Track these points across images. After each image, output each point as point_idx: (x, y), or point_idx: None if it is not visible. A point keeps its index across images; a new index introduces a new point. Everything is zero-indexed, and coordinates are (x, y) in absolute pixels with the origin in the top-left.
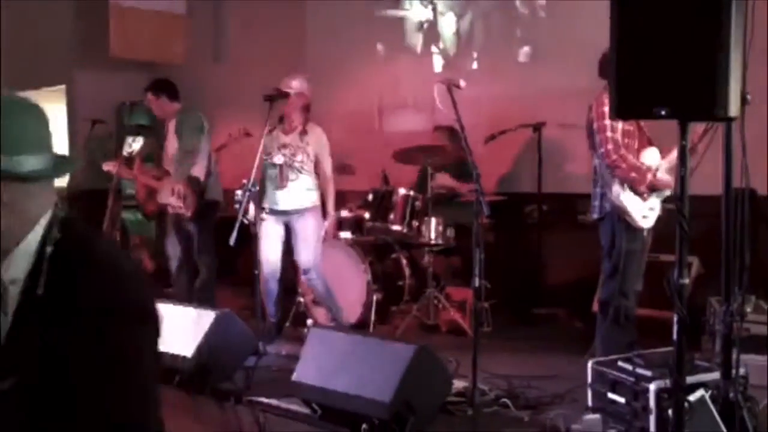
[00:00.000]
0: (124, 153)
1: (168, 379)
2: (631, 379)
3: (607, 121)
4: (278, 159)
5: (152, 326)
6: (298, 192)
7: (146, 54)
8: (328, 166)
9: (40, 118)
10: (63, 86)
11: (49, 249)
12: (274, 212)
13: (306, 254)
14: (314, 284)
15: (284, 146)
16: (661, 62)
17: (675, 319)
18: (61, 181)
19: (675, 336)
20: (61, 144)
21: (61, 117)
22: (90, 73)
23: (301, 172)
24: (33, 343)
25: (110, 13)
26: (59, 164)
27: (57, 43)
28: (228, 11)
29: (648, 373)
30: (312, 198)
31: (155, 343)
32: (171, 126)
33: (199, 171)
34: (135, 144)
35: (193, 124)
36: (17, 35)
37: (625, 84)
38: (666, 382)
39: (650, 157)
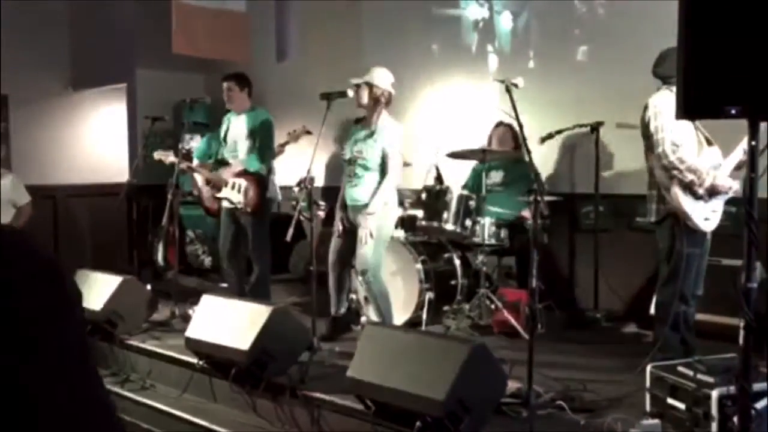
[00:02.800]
0: (182, 150)
1: (224, 372)
2: (693, 384)
3: (664, 121)
4: (346, 154)
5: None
6: (365, 189)
7: (208, 52)
8: (391, 161)
9: None
10: (124, 84)
11: None
12: (344, 207)
13: (363, 253)
14: (369, 288)
15: (356, 142)
16: (732, 59)
17: (741, 324)
18: (122, 176)
19: (741, 341)
20: (121, 140)
21: (122, 114)
22: (150, 71)
23: (367, 169)
24: None
25: (173, 11)
26: None
27: (119, 42)
28: (289, 10)
29: (710, 379)
30: (379, 195)
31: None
32: (239, 121)
33: (265, 168)
34: (192, 141)
35: (266, 121)
36: (80, 35)
37: (693, 82)
38: (729, 389)
39: (711, 157)
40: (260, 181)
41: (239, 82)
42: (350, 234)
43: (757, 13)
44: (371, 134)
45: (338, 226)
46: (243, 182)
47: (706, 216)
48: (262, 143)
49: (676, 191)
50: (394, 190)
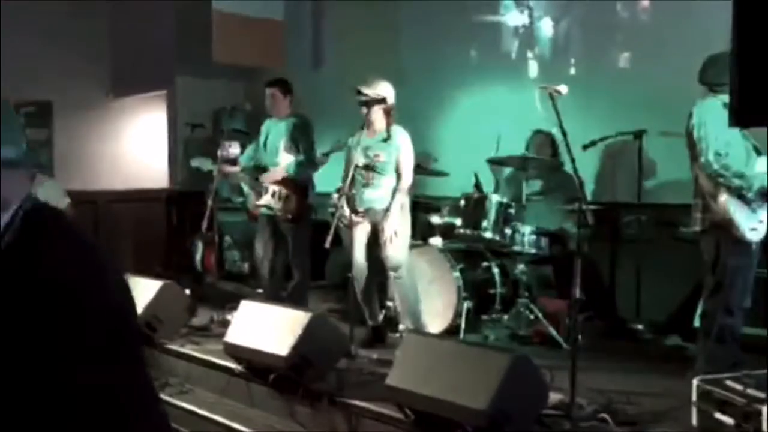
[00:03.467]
0: (221, 156)
1: (262, 377)
2: (742, 399)
3: (709, 130)
4: (362, 161)
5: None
6: (384, 191)
7: (247, 59)
8: (405, 168)
9: (10, 111)
10: (164, 91)
11: (6, 239)
12: (363, 213)
13: (393, 252)
14: (401, 285)
15: (368, 148)
16: None
17: None
18: (162, 182)
19: None
20: (161, 147)
21: (162, 121)
22: (190, 78)
23: (383, 174)
24: None
25: (213, 20)
26: (28, 154)
27: (159, 49)
28: (326, 17)
29: (761, 394)
30: (398, 197)
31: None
32: (279, 127)
33: (308, 176)
34: (231, 148)
35: (308, 127)
36: (121, 42)
37: (747, 89)
38: None
39: (760, 166)
40: (302, 188)
41: (283, 88)
42: (371, 243)
43: None
44: (386, 140)
45: (355, 233)
46: (284, 190)
47: (753, 226)
48: (306, 149)
49: (724, 199)
50: (408, 195)
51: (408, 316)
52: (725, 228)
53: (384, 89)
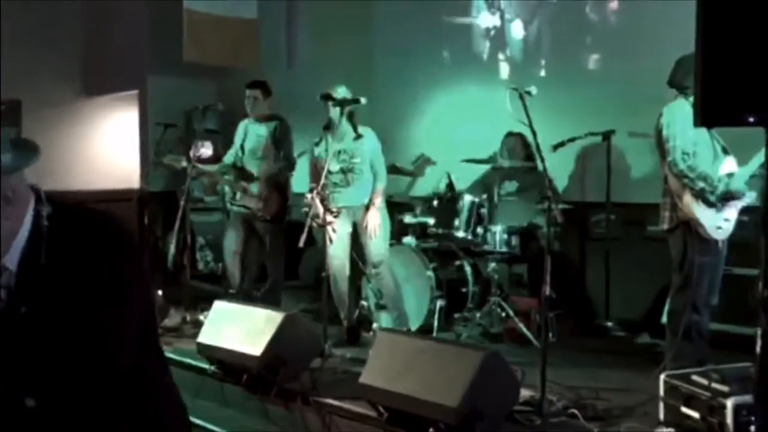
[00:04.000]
0: (193, 156)
1: (236, 378)
2: (707, 393)
3: (676, 130)
4: (334, 166)
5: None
6: (362, 188)
7: (219, 59)
8: (380, 167)
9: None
10: (136, 91)
11: (45, 223)
12: (343, 210)
13: (375, 247)
14: (383, 281)
15: (340, 152)
16: (752, 66)
17: (759, 332)
18: (134, 182)
19: (758, 349)
20: (132, 147)
21: (134, 121)
22: (162, 78)
23: (362, 174)
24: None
25: (184, 19)
26: (28, 153)
27: (131, 48)
28: (300, 17)
29: (725, 388)
30: (378, 191)
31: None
32: (260, 129)
33: (287, 177)
34: (203, 148)
35: (290, 132)
36: (93, 40)
37: (712, 89)
38: (744, 398)
39: (726, 166)
40: (282, 189)
41: (265, 90)
42: (352, 241)
43: None
44: (357, 140)
45: (331, 234)
46: (265, 190)
47: (719, 225)
48: (287, 150)
49: (688, 199)
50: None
51: (391, 310)
52: (691, 226)
53: (346, 92)
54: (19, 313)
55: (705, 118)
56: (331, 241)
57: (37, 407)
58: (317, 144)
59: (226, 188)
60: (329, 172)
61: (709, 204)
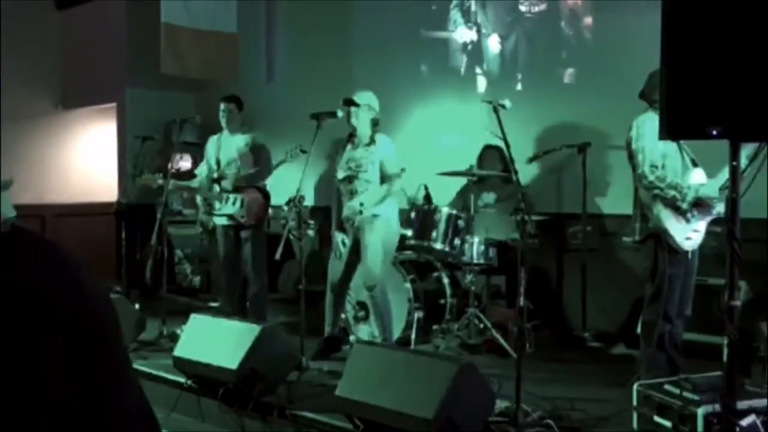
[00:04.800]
0: (171, 169)
1: (213, 391)
2: (679, 402)
3: (645, 143)
4: (341, 174)
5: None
6: (369, 200)
7: (197, 72)
8: (390, 168)
9: None
10: (114, 104)
11: None
12: (345, 225)
13: (370, 269)
14: (376, 302)
15: (349, 160)
16: (714, 80)
17: (725, 341)
18: (112, 196)
19: (725, 358)
20: (110, 160)
21: (112, 133)
22: (141, 90)
23: (369, 183)
24: None
25: (161, 32)
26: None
27: (110, 61)
28: (278, 31)
29: (696, 397)
30: (381, 209)
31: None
32: (234, 141)
33: (265, 183)
34: (182, 161)
35: (263, 141)
36: (71, 53)
37: (676, 103)
38: (714, 407)
39: (695, 177)
40: (265, 194)
41: (239, 104)
42: (351, 254)
43: (737, 36)
44: (369, 149)
45: (339, 247)
46: (245, 196)
47: (688, 236)
48: (266, 160)
49: (658, 210)
50: (397, 208)
51: (379, 329)
52: (661, 237)
53: (372, 98)
54: None
55: (670, 131)
56: (336, 253)
57: None
58: (339, 152)
59: (199, 201)
60: (340, 181)
61: (681, 212)
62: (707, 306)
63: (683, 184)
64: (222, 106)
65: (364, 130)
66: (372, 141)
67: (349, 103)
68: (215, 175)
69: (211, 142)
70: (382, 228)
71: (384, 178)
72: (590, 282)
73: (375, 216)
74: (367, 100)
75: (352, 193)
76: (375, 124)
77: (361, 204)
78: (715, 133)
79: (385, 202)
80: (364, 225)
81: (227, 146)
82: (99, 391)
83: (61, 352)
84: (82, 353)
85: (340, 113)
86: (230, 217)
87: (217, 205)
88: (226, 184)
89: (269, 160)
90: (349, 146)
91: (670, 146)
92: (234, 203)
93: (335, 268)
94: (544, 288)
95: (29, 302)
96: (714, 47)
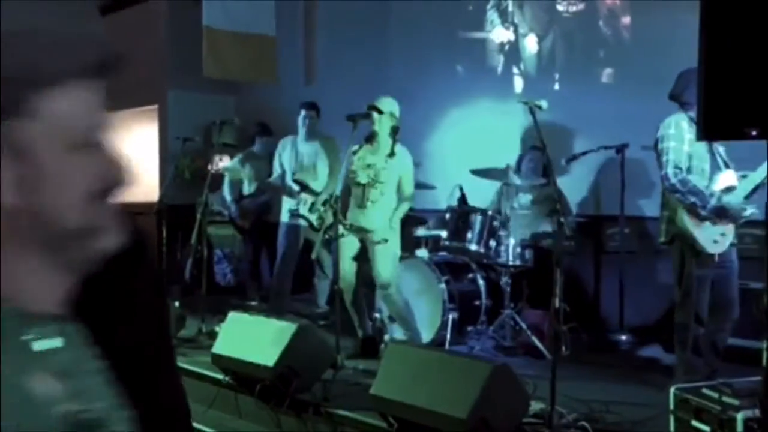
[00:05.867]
0: (212, 170)
1: (249, 388)
2: (717, 407)
3: (669, 144)
4: (362, 178)
5: None
6: (380, 212)
7: (237, 74)
8: (408, 187)
9: None
10: (156, 106)
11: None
12: (353, 228)
13: (384, 268)
14: (393, 300)
15: (369, 166)
16: (752, 80)
17: (765, 345)
18: (153, 196)
19: (765, 362)
20: (152, 161)
21: (153, 135)
22: (182, 92)
23: (383, 195)
24: None
25: (203, 36)
26: None
27: (151, 65)
28: (317, 34)
29: (735, 401)
30: (393, 218)
31: None
32: (312, 147)
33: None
34: (222, 162)
35: (337, 147)
36: None
37: (714, 103)
38: (755, 412)
39: (725, 180)
40: (336, 203)
41: (318, 111)
42: (360, 256)
43: None
44: (389, 160)
45: (343, 246)
46: (320, 201)
47: (715, 239)
48: (334, 167)
49: (682, 213)
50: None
51: (403, 328)
52: (687, 240)
53: (394, 106)
54: None
55: (707, 131)
56: (340, 255)
57: None
58: (355, 152)
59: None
60: (356, 183)
61: (701, 218)
62: (747, 310)
63: (707, 191)
64: (303, 112)
65: (384, 137)
66: (392, 153)
67: (374, 109)
68: (288, 178)
69: (285, 146)
70: (390, 229)
71: (400, 194)
72: (627, 284)
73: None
74: (389, 107)
75: (364, 200)
76: (395, 132)
77: (385, 240)
78: (754, 133)
79: (396, 215)
80: (375, 232)
81: (305, 151)
82: (158, 380)
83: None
84: (155, 339)
85: (375, 115)
86: (302, 217)
87: (300, 208)
88: (305, 186)
89: (335, 166)
90: (367, 146)
91: (699, 147)
92: (311, 207)
93: (346, 272)
94: (581, 290)
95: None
96: (752, 46)
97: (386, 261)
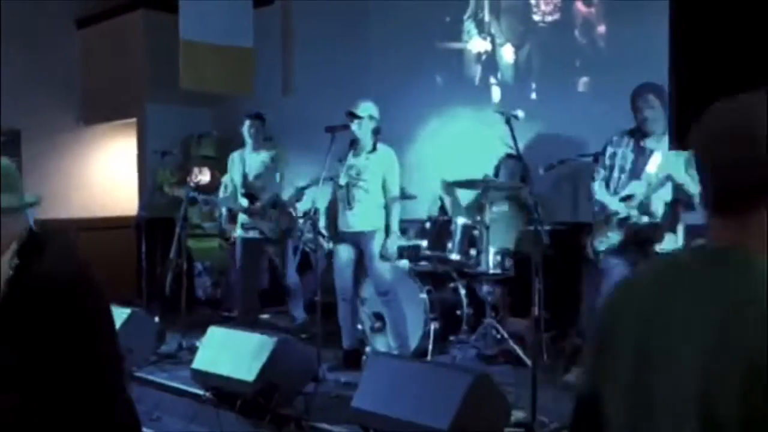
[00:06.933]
0: (191, 183)
1: (230, 403)
2: None
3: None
4: (343, 180)
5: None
6: (368, 212)
7: (214, 86)
8: (394, 186)
9: (9, 165)
10: (134, 119)
11: (9, 272)
12: (345, 235)
13: (381, 275)
14: (391, 306)
15: (351, 167)
16: (722, 89)
17: None
18: (132, 210)
19: None
20: (130, 174)
21: (132, 148)
22: (160, 105)
23: (368, 192)
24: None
25: (180, 48)
26: (27, 200)
27: (129, 78)
28: (294, 45)
29: None
30: (383, 216)
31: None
32: (259, 156)
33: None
34: (201, 174)
35: (286, 155)
36: (91, 70)
37: (685, 112)
38: None
39: (650, 167)
40: (283, 207)
41: (263, 120)
42: (356, 264)
43: (747, 45)
44: (369, 156)
45: (338, 256)
46: (276, 211)
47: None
48: (282, 177)
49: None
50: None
51: (394, 338)
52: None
53: (374, 108)
54: None
55: (679, 141)
56: (335, 265)
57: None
58: (340, 161)
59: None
60: (339, 187)
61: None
62: None
63: (609, 203)
64: (247, 122)
65: (366, 139)
66: (374, 149)
67: (351, 115)
68: (243, 190)
69: (235, 158)
70: (383, 237)
71: (385, 193)
72: (608, 292)
73: (375, 230)
74: (368, 110)
75: (350, 201)
76: (376, 132)
77: (383, 235)
78: None
79: (383, 215)
80: (367, 234)
81: (252, 161)
82: (100, 361)
83: (77, 329)
84: (90, 332)
85: (353, 126)
86: (257, 230)
87: (248, 221)
88: (255, 198)
89: (283, 175)
90: (351, 153)
91: (620, 141)
92: (262, 217)
93: (343, 281)
94: (562, 298)
95: (54, 291)
96: (724, 55)
97: (384, 266)
